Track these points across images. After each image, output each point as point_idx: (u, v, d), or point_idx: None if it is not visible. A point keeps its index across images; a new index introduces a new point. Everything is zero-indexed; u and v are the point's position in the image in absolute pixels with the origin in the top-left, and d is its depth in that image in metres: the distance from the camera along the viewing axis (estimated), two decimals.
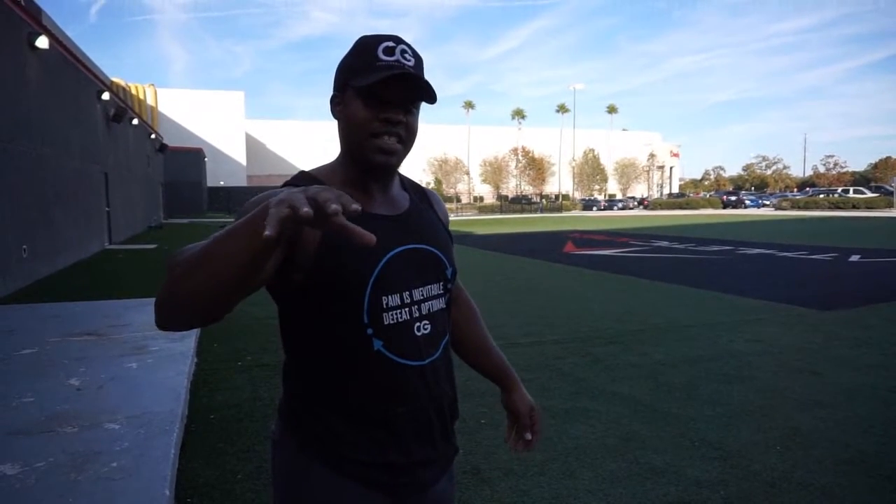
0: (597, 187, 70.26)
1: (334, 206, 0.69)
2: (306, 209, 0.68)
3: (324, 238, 0.98)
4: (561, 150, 74.54)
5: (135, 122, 20.97)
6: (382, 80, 0.98)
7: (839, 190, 46.98)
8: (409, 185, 1.20)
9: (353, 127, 1.02)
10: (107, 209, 15.98)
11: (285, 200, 0.71)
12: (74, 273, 10.45)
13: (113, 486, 2.53)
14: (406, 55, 1.02)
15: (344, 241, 0.98)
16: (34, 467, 2.69)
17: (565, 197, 65.93)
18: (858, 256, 12.20)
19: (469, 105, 79.88)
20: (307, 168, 1.14)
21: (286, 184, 1.05)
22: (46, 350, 4.78)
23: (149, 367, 4.31)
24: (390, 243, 1.04)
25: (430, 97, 1.03)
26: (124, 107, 18.12)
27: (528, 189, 65.70)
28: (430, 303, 1.09)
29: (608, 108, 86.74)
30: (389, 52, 1.01)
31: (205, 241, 0.82)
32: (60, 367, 4.30)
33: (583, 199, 61.50)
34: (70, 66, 12.67)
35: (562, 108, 79.88)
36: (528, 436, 1.31)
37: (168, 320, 0.87)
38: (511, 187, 67.48)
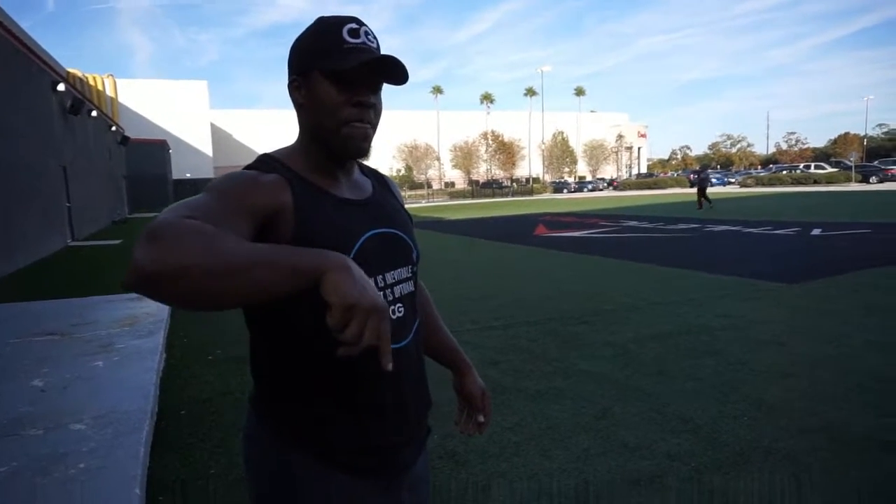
0: (566, 170, 70.66)
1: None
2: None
3: (298, 226, 0.95)
4: (530, 133, 74.77)
5: (94, 113, 20.33)
6: (362, 63, 0.97)
7: (801, 166, 48.13)
8: (368, 171, 1.20)
9: (324, 112, 1.00)
10: (67, 204, 15.52)
11: (384, 318, 0.78)
12: (35, 271, 10.13)
13: (80, 489, 2.47)
14: (369, 36, 1.03)
15: (318, 226, 0.97)
16: None
17: (535, 180, 66.17)
18: (820, 230, 12.55)
19: (437, 90, 79.50)
20: None
21: (249, 167, 1.03)
22: (6, 352, 4.63)
23: (115, 364, 4.21)
24: (362, 227, 1.03)
25: (404, 79, 1.03)
26: (81, 98, 17.54)
27: (498, 173, 65.76)
28: (401, 286, 1.09)
29: (576, 90, 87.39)
30: (354, 33, 1.01)
31: (235, 250, 0.76)
32: (22, 368, 4.17)
33: (553, 182, 61.74)
34: (21, 55, 12.19)
35: (530, 92, 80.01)
36: (481, 418, 1.32)
37: (150, 292, 0.74)
38: (482, 172, 67.46)
